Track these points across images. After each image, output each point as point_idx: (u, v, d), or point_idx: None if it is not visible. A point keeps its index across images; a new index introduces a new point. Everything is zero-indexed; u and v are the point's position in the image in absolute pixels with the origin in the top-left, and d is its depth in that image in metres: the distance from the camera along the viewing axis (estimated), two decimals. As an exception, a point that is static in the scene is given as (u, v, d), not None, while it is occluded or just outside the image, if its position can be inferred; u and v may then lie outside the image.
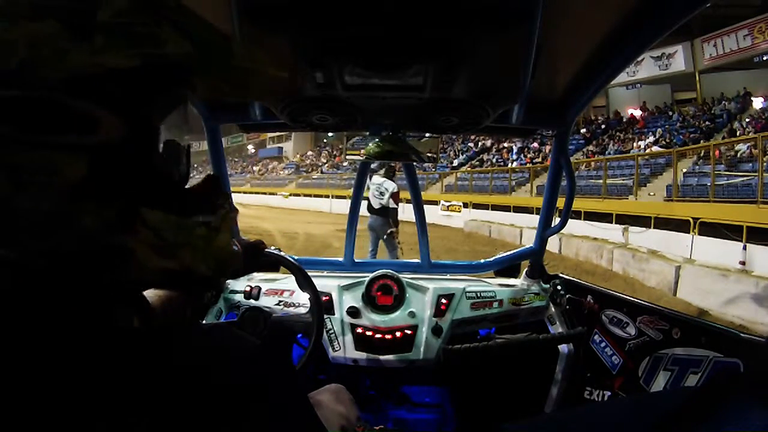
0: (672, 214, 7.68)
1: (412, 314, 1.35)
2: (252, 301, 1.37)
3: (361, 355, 1.30)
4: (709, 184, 8.09)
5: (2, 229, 0.29)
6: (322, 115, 1.01)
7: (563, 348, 1.41)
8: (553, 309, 1.47)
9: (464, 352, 1.32)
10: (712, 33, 13.13)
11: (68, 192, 0.29)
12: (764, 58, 12.34)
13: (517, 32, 0.69)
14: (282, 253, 1.11)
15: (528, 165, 14.11)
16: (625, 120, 15.21)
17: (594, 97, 1.10)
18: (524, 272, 1.57)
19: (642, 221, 8.10)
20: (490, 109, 0.95)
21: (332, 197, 17.32)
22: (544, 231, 1.50)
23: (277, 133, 29.61)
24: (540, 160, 14.31)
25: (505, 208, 11.99)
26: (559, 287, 1.47)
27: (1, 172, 0.27)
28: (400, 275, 1.42)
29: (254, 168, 31.40)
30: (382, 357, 1.30)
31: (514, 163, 15.33)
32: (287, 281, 1.41)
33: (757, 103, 12.22)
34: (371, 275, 1.42)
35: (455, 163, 18.12)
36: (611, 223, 8.71)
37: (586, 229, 8.74)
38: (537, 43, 0.72)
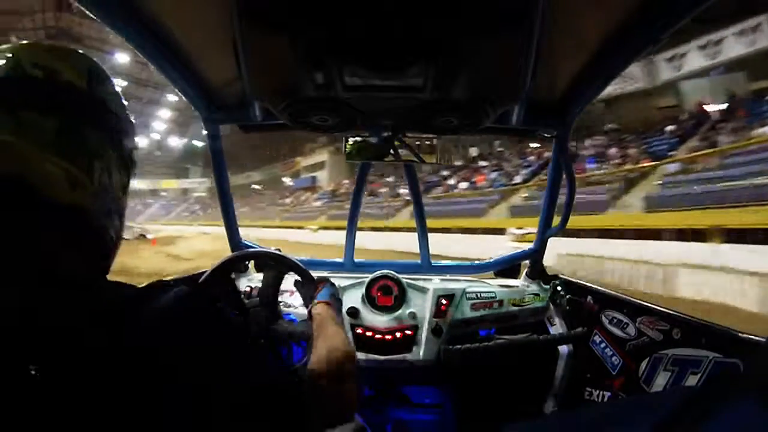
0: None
1: (412, 315, 1.35)
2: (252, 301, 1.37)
3: (361, 356, 1.29)
4: None
5: None
6: (322, 115, 1.01)
7: (563, 348, 1.41)
8: (553, 309, 1.47)
9: (464, 352, 1.31)
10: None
11: None
12: None
13: (517, 32, 0.69)
14: (285, 254, 1.11)
15: (615, 171, 10.54)
16: (718, 112, 11.30)
17: (594, 98, 1.10)
18: (524, 273, 1.57)
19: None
20: (490, 110, 0.95)
21: (368, 230, 14.01)
22: (545, 232, 1.50)
23: (311, 162, 28.28)
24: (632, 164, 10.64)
25: (615, 233, 7.82)
26: (559, 288, 1.47)
27: None
28: (401, 276, 1.42)
29: (286, 200, 29.06)
30: (382, 357, 1.30)
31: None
32: (287, 281, 1.41)
33: None
34: (371, 276, 1.42)
35: (518, 179, 14.53)
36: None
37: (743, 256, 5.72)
38: (537, 43, 0.72)
